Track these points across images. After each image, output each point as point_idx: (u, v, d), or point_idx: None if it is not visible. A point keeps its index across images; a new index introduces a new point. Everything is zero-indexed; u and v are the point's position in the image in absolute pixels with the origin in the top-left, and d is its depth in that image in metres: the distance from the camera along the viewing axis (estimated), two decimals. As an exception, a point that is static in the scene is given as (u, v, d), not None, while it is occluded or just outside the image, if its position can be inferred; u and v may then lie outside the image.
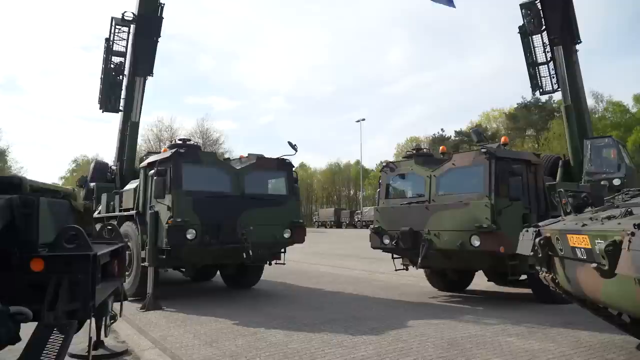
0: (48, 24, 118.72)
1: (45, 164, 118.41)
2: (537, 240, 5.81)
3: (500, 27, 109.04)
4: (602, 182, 12.35)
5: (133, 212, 10.28)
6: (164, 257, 9.27)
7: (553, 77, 14.07)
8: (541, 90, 14.47)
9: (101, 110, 14.84)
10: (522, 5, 13.83)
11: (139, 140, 49.46)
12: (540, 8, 13.64)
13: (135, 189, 10.76)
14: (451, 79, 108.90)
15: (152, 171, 9.60)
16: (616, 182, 12.38)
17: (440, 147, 11.64)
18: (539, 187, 9.60)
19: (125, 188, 12.03)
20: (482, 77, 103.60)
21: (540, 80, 14.40)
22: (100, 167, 15.32)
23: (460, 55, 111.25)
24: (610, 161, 12.96)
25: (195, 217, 9.15)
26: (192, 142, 10.39)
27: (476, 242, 8.57)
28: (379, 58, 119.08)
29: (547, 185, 9.96)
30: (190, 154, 9.67)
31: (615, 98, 55.00)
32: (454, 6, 13.37)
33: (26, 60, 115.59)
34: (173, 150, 9.55)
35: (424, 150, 11.30)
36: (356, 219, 70.28)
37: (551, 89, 14.23)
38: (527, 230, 6.31)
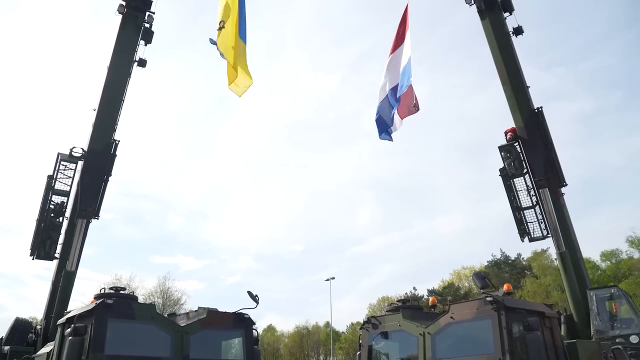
0: (10, 182, 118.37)
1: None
2: None
3: (463, 188, 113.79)
4: (617, 340, 10.59)
5: (39, 386, 7.81)
6: None
7: (541, 222, 12.99)
8: (530, 237, 13.26)
9: (32, 257, 12.74)
10: (500, 148, 13.25)
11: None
12: (519, 150, 13.06)
13: (48, 354, 8.38)
14: (419, 238, 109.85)
15: (69, 329, 7.40)
16: (634, 339, 10.69)
17: (430, 299, 9.86)
18: (557, 345, 7.78)
19: (38, 352, 9.55)
20: (450, 236, 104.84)
21: (527, 225, 13.28)
22: (21, 327, 12.73)
23: (426, 215, 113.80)
24: (620, 315, 11.35)
25: (116, 394, 6.80)
26: (126, 292, 8.35)
27: None
28: (348, 218, 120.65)
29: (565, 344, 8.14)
30: (120, 307, 7.58)
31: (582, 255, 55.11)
32: (391, 139, 13.48)
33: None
34: (98, 302, 7.48)
35: (412, 302, 9.44)
36: (327, 388, 64.07)
37: (541, 234, 13.07)
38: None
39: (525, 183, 13.14)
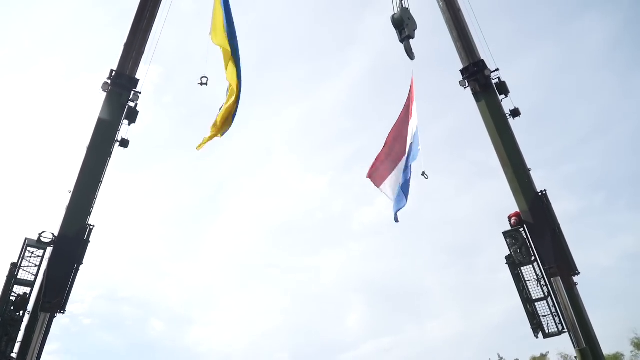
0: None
1: None
2: None
3: (453, 291, 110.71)
4: None
5: None
6: None
7: (556, 316, 11.77)
8: (545, 332, 11.94)
9: (-20, 357, 11.18)
10: (505, 234, 12.40)
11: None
12: (525, 237, 12.19)
13: None
14: (412, 343, 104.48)
15: None
16: None
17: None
18: None
19: None
20: (443, 340, 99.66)
21: (540, 319, 12.03)
22: None
23: (418, 319, 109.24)
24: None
25: None
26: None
27: None
28: (337, 322, 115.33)
29: None
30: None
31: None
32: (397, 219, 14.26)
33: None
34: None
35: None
36: None
37: (556, 330, 11.77)
38: None
39: (535, 272, 12.10)
